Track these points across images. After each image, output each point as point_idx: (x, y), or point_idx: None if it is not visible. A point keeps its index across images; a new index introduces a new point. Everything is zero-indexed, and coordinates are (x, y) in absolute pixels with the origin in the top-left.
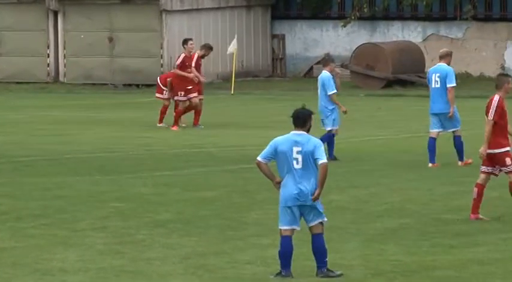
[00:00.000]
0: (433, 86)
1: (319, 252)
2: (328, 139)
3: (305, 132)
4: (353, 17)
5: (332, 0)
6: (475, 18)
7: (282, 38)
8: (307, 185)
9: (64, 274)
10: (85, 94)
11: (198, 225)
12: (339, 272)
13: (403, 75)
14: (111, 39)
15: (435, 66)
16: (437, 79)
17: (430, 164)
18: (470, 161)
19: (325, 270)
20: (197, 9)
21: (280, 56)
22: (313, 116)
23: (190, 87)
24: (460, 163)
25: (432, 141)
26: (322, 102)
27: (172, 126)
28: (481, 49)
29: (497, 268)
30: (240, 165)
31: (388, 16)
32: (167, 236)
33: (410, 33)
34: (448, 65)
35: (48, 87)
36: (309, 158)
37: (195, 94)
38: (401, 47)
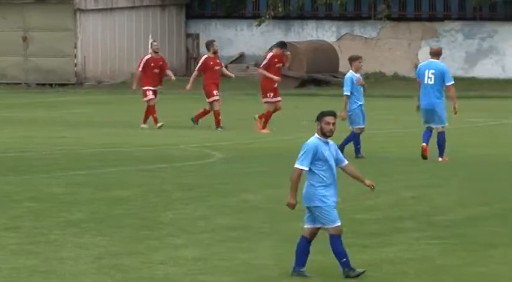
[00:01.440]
0: (425, 82)
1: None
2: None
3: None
4: (267, 17)
5: (246, 0)
6: (389, 17)
7: (196, 37)
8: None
9: None
10: None
11: (112, 225)
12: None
13: (318, 74)
14: (25, 39)
15: (427, 62)
16: (431, 76)
17: (439, 159)
18: (446, 159)
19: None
20: (111, 9)
21: (194, 56)
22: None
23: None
24: (440, 159)
25: (429, 133)
26: None
27: (263, 129)
28: (395, 48)
29: (410, 268)
30: (156, 165)
31: (302, 15)
32: (80, 235)
33: (324, 32)
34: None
35: None
36: None
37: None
38: (315, 46)
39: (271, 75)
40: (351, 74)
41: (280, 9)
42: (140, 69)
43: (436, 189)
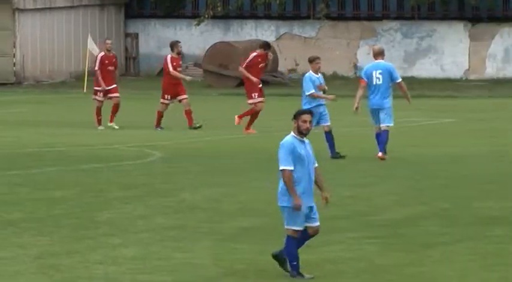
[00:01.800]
0: (374, 82)
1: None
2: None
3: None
4: (206, 16)
5: None
6: (328, 17)
7: (136, 37)
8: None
9: None
10: None
11: (51, 225)
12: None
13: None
14: None
15: (372, 63)
16: (379, 76)
17: (379, 154)
18: (386, 157)
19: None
20: (50, 8)
21: (133, 55)
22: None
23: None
24: (380, 154)
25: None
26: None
27: (247, 129)
28: (334, 48)
29: (349, 267)
30: (92, 164)
31: (241, 15)
32: (19, 235)
33: (263, 32)
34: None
35: None
36: None
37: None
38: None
39: (250, 76)
40: (309, 74)
41: (219, 9)
42: (97, 68)
43: (374, 189)
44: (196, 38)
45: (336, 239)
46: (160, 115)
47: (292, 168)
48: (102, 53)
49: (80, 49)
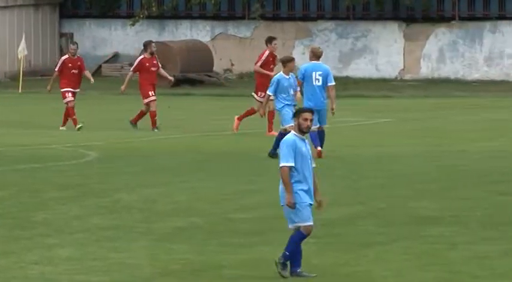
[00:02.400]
0: (313, 83)
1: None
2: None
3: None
4: (141, 16)
5: None
6: (263, 17)
7: (71, 36)
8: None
9: None
10: None
11: None
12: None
13: (192, 74)
14: None
15: (312, 64)
16: (319, 77)
17: (319, 148)
18: (324, 153)
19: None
20: None
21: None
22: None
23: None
24: (318, 148)
25: (313, 135)
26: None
27: (270, 132)
28: None
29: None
30: (29, 165)
31: (176, 15)
32: None
33: (199, 32)
34: None
35: None
36: None
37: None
38: (189, 46)
39: (268, 72)
40: (279, 75)
41: (154, 9)
42: (57, 69)
43: None
44: (132, 38)
45: (274, 239)
46: (152, 115)
47: (292, 164)
48: (66, 56)
49: (14, 49)
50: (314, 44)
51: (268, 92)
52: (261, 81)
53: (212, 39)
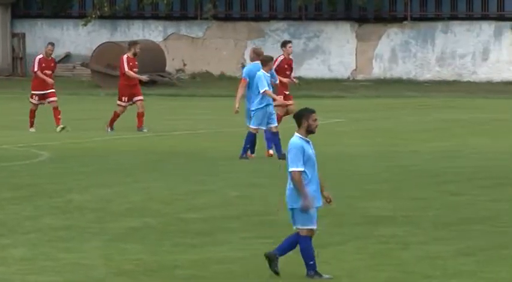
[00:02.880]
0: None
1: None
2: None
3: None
4: (93, 16)
5: None
6: (215, 17)
7: (22, 36)
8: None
9: None
10: None
11: None
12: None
13: (145, 74)
14: None
15: (254, 64)
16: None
17: (270, 151)
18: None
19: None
20: None
21: (20, 55)
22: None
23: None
24: (270, 152)
25: (252, 136)
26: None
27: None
28: (221, 48)
29: (238, 267)
30: None
31: (128, 15)
32: None
33: (151, 32)
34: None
35: None
36: None
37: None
38: (142, 46)
39: (283, 79)
40: (262, 73)
41: (106, 9)
42: (36, 70)
43: (261, 189)
44: (84, 38)
45: (225, 239)
46: (116, 116)
47: (302, 169)
48: (41, 56)
49: None
50: (256, 46)
51: (264, 89)
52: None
53: (164, 39)
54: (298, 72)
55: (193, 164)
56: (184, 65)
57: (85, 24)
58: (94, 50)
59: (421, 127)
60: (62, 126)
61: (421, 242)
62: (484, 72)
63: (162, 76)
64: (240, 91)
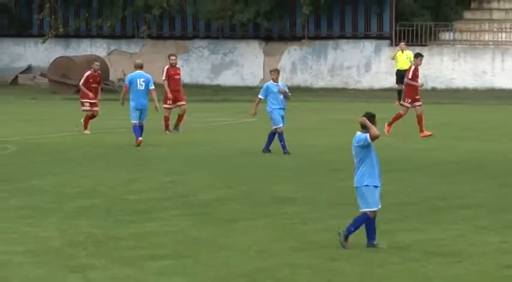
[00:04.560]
0: (138, 88)
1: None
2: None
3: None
4: (50, 35)
5: (33, 21)
6: (149, 36)
7: None
8: None
9: None
10: None
11: None
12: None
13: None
14: None
15: (136, 73)
16: (142, 83)
17: (140, 138)
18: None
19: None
20: None
21: None
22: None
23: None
24: (139, 138)
25: (140, 128)
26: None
27: (423, 132)
28: (155, 62)
29: (169, 239)
30: None
31: (79, 34)
32: None
33: (97, 48)
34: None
35: None
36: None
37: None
38: (90, 59)
39: (415, 83)
40: (270, 83)
41: (60, 30)
42: (82, 83)
43: (189, 175)
44: (42, 53)
45: (158, 216)
46: (165, 119)
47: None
48: (89, 72)
49: None
50: (138, 60)
51: (259, 96)
52: (408, 90)
53: (108, 54)
54: (217, 81)
55: (131, 156)
56: (124, 75)
57: (43, 42)
58: (51, 63)
59: (317, 126)
60: (87, 131)
61: (318, 218)
62: (367, 81)
63: (106, 84)
64: (123, 94)
